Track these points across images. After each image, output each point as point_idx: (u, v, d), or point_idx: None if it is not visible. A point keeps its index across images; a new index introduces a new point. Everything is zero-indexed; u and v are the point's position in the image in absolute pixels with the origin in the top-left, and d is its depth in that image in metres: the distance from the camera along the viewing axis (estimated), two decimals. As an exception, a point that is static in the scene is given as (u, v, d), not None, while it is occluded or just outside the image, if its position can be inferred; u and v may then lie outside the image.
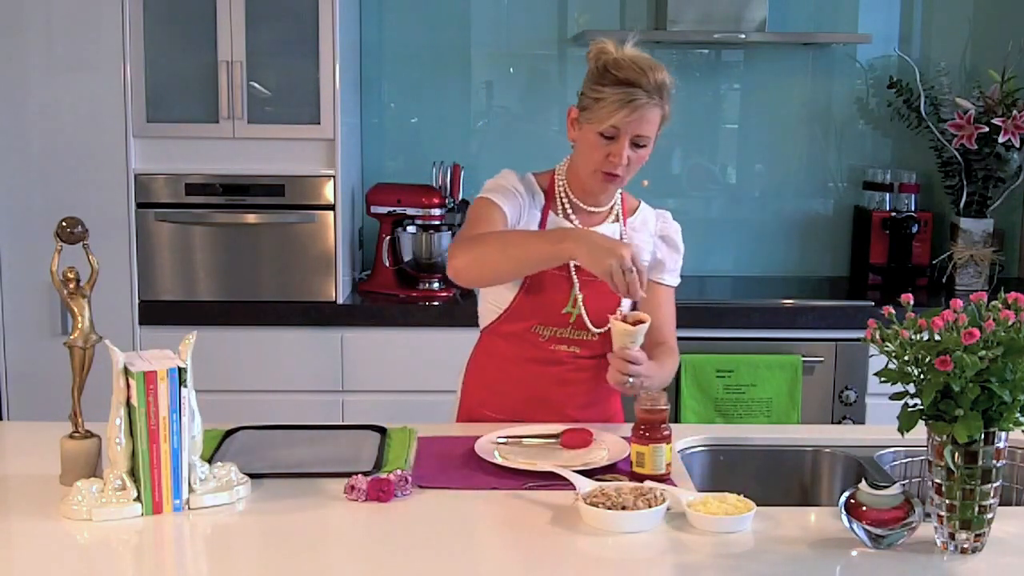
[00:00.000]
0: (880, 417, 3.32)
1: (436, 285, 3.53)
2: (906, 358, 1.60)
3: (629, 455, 1.94)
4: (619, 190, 2.29)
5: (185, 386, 1.76)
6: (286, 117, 3.35)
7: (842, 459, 2.17)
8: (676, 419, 3.29)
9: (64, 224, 1.84)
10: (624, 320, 2.03)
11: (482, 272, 2.12)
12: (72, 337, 1.84)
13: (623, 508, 1.71)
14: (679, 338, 3.25)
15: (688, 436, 2.18)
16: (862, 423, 3.38)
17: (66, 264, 1.84)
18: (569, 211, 2.24)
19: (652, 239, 2.30)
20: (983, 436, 1.58)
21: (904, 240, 3.75)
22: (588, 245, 1.97)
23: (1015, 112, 3.58)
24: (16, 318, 3.37)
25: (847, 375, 3.38)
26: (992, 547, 1.65)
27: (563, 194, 2.25)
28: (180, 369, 1.75)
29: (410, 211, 3.53)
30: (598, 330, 2.18)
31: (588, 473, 1.89)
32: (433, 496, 1.86)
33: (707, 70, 3.96)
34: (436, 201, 3.51)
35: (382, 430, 2.15)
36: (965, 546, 1.63)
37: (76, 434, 1.87)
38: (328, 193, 3.38)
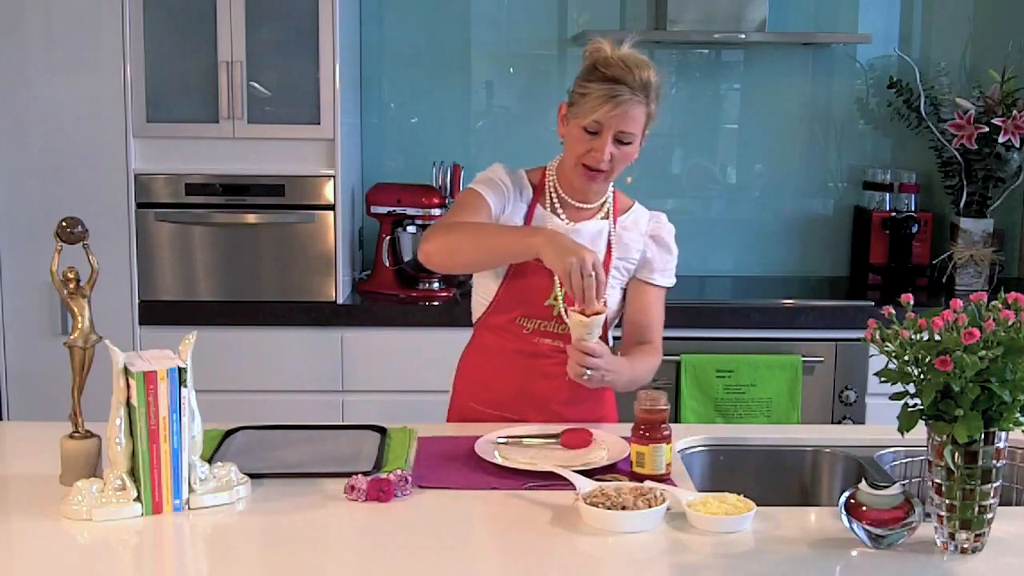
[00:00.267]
0: (880, 417, 3.32)
1: (436, 285, 3.53)
2: (906, 358, 1.60)
3: (629, 455, 1.94)
4: (611, 188, 2.30)
5: (185, 386, 1.76)
6: (286, 117, 3.35)
7: (842, 459, 2.17)
8: (676, 419, 3.29)
9: (64, 224, 1.84)
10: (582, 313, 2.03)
11: (452, 258, 2.18)
12: (72, 337, 1.84)
13: (623, 508, 1.71)
14: (679, 338, 3.31)
15: (688, 436, 2.18)
16: (862, 423, 3.38)
17: (66, 264, 1.84)
18: (557, 206, 2.27)
19: (643, 239, 2.30)
20: (983, 436, 1.58)
21: (904, 240, 3.75)
22: (554, 243, 2.01)
23: (1015, 112, 3.58)
24: (16, 318, 3.37)
25: (847, 375, 3.38)
26: (992, 547, 1.65)
27: (552, 189, 2.28)
28: (180, 369, 1.75)
29: (410, 211, 3.53)
30: None
31: (588, 473, 1.89)
32: (433, 496, 1.86)
33: (707, 70, 3.96)
34: (436, 201, 3.51)
35: (382, 430, 2.15)
36: (965, 546, 1.63)
37: (76, 434, 1.87)
38: (328, 193, 3.38)
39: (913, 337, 1.60)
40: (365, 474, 1.87)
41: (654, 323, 2.30)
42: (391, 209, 3.54)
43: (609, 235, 2.27)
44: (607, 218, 2.29)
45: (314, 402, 3.36)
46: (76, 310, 1.84)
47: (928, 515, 1.66)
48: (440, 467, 1.98)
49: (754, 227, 4.00)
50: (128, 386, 1.75)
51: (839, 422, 3.39)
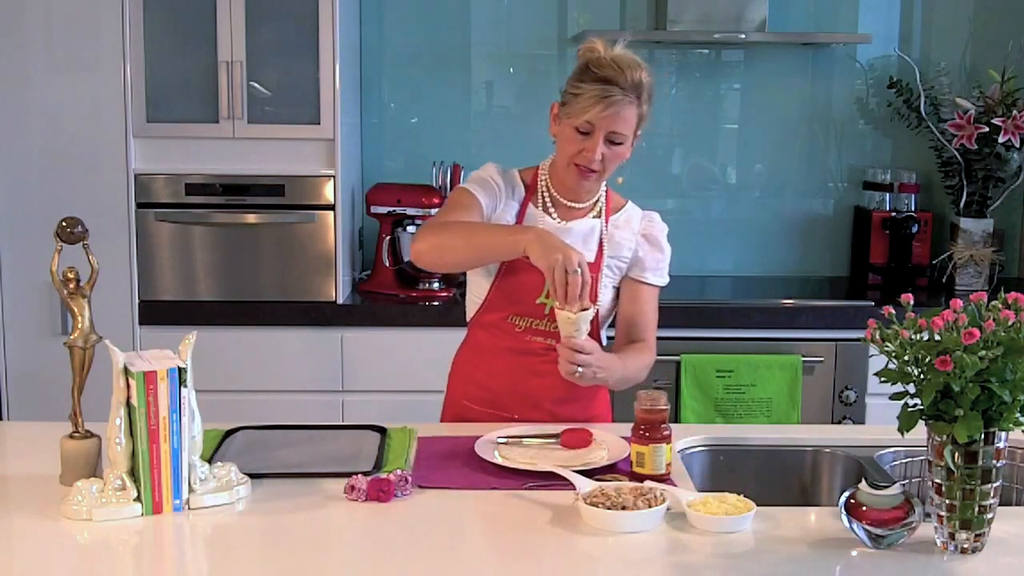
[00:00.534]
0: (880, 417, 3.32)
1: (436, 285, 3.53)
2: (906, 358, 1.60)
3: (629, 455, 1.94)
4: (604, 187, 2.31)
5: (185, 386, 1.76)
6: (286, 117, 3.35)
7: (842, 459, 2.17)
8: (676, 419, 3.29)
9: (64, 224, 1.84)
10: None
11: (443, 256, 2.20)
12: (72, 337, 1.84)
13: (623, 508, 1.71)
14: (679, 338, 3.31)
15: (688, 436, 2.18)
16: (862, 423, 3.38)
17: (66, 264, 1.84)
18: (549, 205, 2.29)
19: (635, 237, 2.31)
20: (983, 436, 1.58)
21: (904, 240, 3.75)
22: (541, 241, 2.02)
23: (1015, 112, 3.58)
24: (16, 318, 3.37)
25: (847, 375, 3.38)
26: (992, 547, 1.65)
27: (544, 188, 2.30)
28: (180, 369, 1.75)
29: (410, 211, 3.53)
30: None
31: (588, 473, 1.90)
32: (433, 496, 1.86)
33: (707, 70, 3.96)
34: (436, 201, 3.50)
35: (382, 430, 2.15)
36: (965, 546, 1.63)
37: (76, 434, 1.87)
38: (328, 193, 3.38)
39: (913, 337, 1.60)
40: (365, 474, 1.87)
41: (647, 321, 2.31)
42: (391, 209, 3.54)
43: (601, 234, 2.29)
44: (599, 217, 2.30)
45: (314, 402, 3.36)
46: (76, 310, 1.84)
47: (928, 515, 1.66)
48: (440, 467, 1.98)
49: (754, 227, 4.00)
50: (128, 386, 1.75)
51: (839, 422, 3.39)
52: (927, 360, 1.58)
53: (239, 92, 3.30)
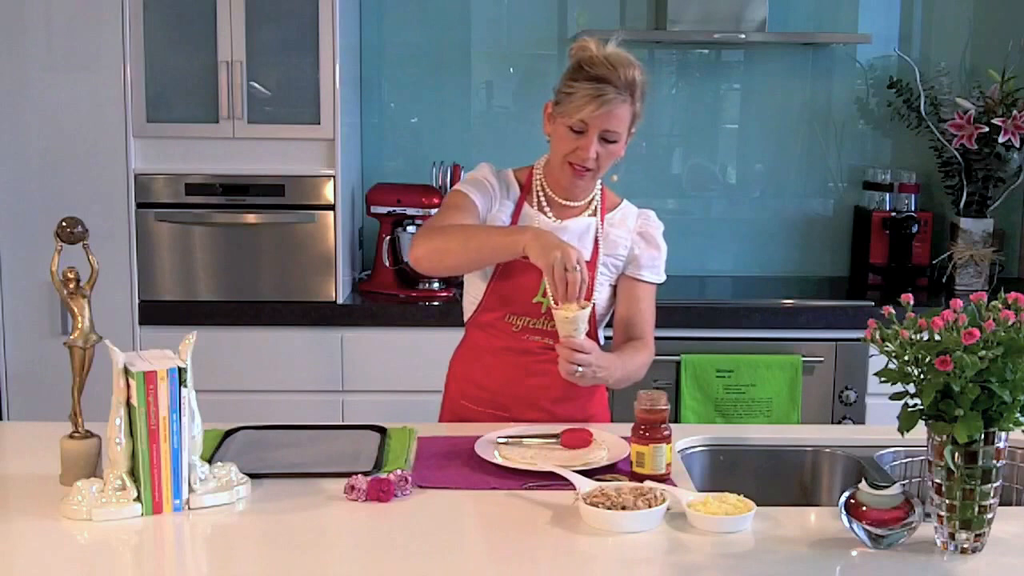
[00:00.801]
0: (880, 417, 3.32)
1: (436, 285, 3.53)
2: (906, 358, 1.60)
3: (629, 455, 1.94)
4: (599, 185, 2.32)
5: (185, 386, 1.76)
6: (286, 117, 3.35)
7: (842, 459, 2.17)
8: (676, 419, 3.29)
9: (64, 224, 1.84)
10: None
11: (442, 261, 2.20)
12: (72, 337, 1.84)
13: (623, 508, 1.71)
14: (679, 338, 3.31)
15: (688, 436, 2.18)
16: (862, 423, 3.38)
17: (66, 264, 1.84)
18: (544, 204, 2.29)
19: (630, 235, 2.31)
20: (983, 436, 1.58)
21: (904, 240, 3.75)
22: (539, 240, 2.03)
23: (1015, 112, 3.58)
24: (16, 318, 3.37)
25: (847, 375, 3.38)
26: (992, 547, 1.65)
27: (539, 187, 2.30)
28: (180, 369, 1.75)
29: (410, 211, 3.53)
30: None
31: (588, 473, 1.90)
32: (433, 496, 1.86)
33: (707, 70, 3.96)
34: (436, 201, 3.50)
35: (382, 430, 2.15)
36: (965, 546, 1.63)
37: (76, 434, 1.87)
38: (328, 193, 3.38)
39: (913, 337, 1.60)
40: (365, 474, 1.87)
41: (645, 319, 2.31)
42: (391, 209, 3.54)
43: (596, 232, 2.29)
44: (595, 215, 2.30)
45: (314, 402, 3.36)
46: (76, 310, 1.84)
47: (928, 515, 1.66)
48: (440, 467, 1.98)
49: (754, 227, 4.00)
50: (128, 386, 1.75)
51: (839, 422, 3.39)
52: (927, 360, 1.58)
53: (239, 92, 3.30)
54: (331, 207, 3.38)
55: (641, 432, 1.91)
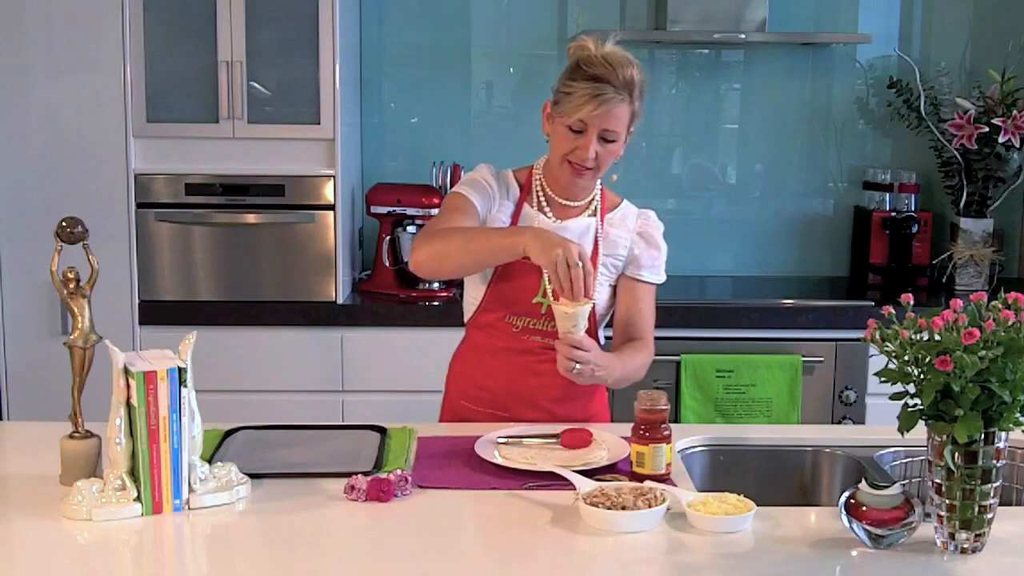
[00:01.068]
0: (880, 417, 3.32)
1: (436, 285, 3.53)
2: (906, 358, 1.60)
3: (629, 455, 1.94)
4: (599, 185, 2.32)
5: (185, 386, 1.76)
6: (286, 117, 3.35)
7: (842, 459, 2.17)
8: (676, 419, 3.29)
9: (64, 224, 1.84)
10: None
11: (442, 265, 2.20)
12: (72, 337, 1.84)
13: (623, 508, 1.71)
14: (679, 338, 3.31)
15: (688, 436, 2.18)
16: (862, 423, 3.38)
17: (66, 264, 1.84)
18: (544, 204, 2.29)
19: (630, 235, 2.31)
20: (983, 436, 1.58)
21: (904, 240, 3.75)
22: (539, 238, 2.03)
23: (1015, 112, 3.58)
24: (16, 318, 3.37)
25: (847, 375, 3.38)
26: (992, 547, 1.65)
27: (539, 187, 2.30)
28: (180, 369, 1.76)
29: (410, 211, 3.53)
30: None
31: (588, 473, 1.90)
32: (433, 496, 1.86)
33: (707, 70, 3.96)
34: (436, 201, 3.50)
35: (382, 430, 2.15)
36: (965, 546, 1.63)
37: (76, 434, 1.87)
38: (328, 193, 3.38)
39: (913, 337, 1.60)
40: (365, 474, 1.87)
41: (644, 319, 2.31)
42: (391, 209, 3.54)
43: (596, 232, 2.29)
44: (594, 215, 2.30)
45: (314, 402, 3.36)
46: (76, 310, 1.84)
47: (928, 515, 1.66)
48: (440, 467, 1.98)
49: (754, 227, 4.00)
50: (128, 386, 1.75)
51: (839, 422, 3.39)
52: (927, 360, 1.58)
53: (239, 92, 3.30)
54: (331, 207, 3.38)
55: (641, 432, 1.91)
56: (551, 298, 2.05)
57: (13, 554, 1.66)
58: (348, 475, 1.87)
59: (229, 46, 3.29)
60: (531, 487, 1.88)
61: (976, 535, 1.63)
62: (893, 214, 3.78)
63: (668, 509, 1.74)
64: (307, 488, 1.87)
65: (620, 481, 1.86)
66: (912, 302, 1.66)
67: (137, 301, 3.37)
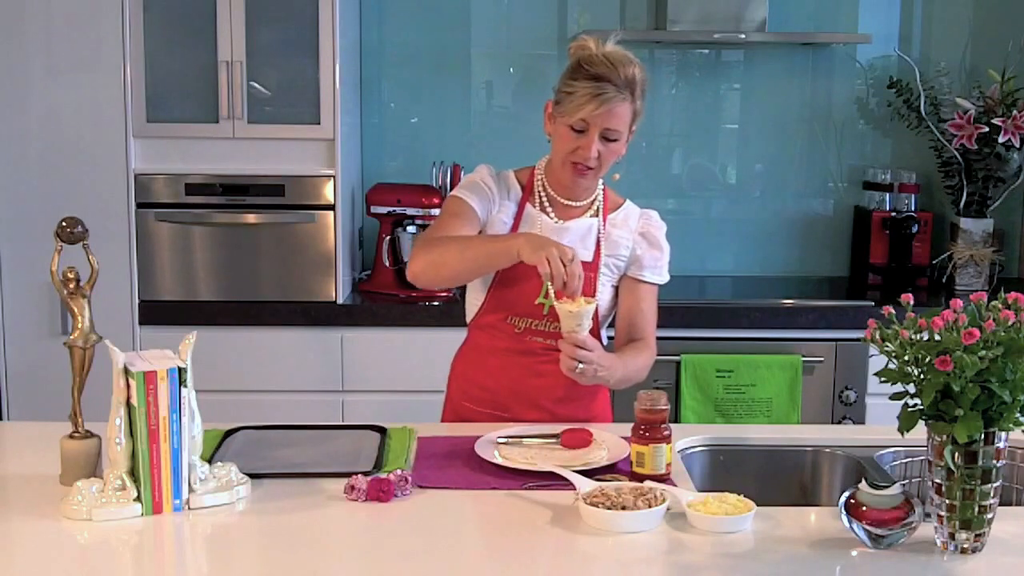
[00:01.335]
0: (880, 417, 3.32)
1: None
2: (906, 358, 1.60)
3: (629, 455, 1.94)
4: (601, 185, 2.32)
5: (185, 386, 1.76)
6: (286, 117, 3.35)
7: (842, 459, 2.17)
8: (676, 419, 3.29)
9: (64, 224, 1.84)
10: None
11: (439, 273, 2.20)
12: (72, 337, 1.84)
13: (623, 508, 1.71)
14: (679, 338, 3.31)
15: (688, 436, 2.18)
16: (862, 423, 3.38)
17: (66, 264, 1.84)
18: (546, 204, 2.29)
19: (632, 236, 2.31)
20: (983, 436, 1.58)
21: (904, 240, 3.75)
22: (531, 241, 2.04)
23: (1015, 112, 3.58)
24: (16, 318, 3.37)
25: (847, 375, 3.38)
26: (992, 547, 1.65)
27: (541, 188, 2.30)
28: (180, 369, 1.76)
29: (410, 211, 3.53)
30: None
31: (588, 473, 1.90)
32: (433, 496, 1.86)
33: (707, 70, 3.96)
34: (436, 201, 3.50)
35: (382, 430, 2.15)
36: (965, 546, 1.63)
37: (76, 434, 1.87)
38: (328, 193, 3.38)
39: (913, 337, 1.60)
40: (365, 474, 1.87)
41: (646, 320, 2.31)
42: (391, 209, 3.54)
43: (598, 233, 2.29)
44: (597, 216, 2.30)
45: (314, 402, 3.36)
46: (76, 310, 1.84)
47: (928, 515, 1.66)
48: (440, 467, 1.98)
49: (754, 227, 4.00)
50: (128, 386, 1.75)
51: (839, 422, 3.39)
52: (927, 360, 1.58)
53: (239, 92, 3.30)
54: (331, 207, 3.38)
55: (641, 432, 1.91)
56: (553, 298, 2.05)
57: (13, 554, 1.66)
58: (348, 475, 1.87)
59: (229, 46, 3.29)
60: (531, 487, 1.88)
61: (976, 535, 1.63)
62: (893, 214, 3.78)
63: (668, 509, 1.74)
64: (307, 488, 1.87)
65: (620, 481, 1.86)
66: (912, 302, 1.67)
67: (137, 301, 3.37)
